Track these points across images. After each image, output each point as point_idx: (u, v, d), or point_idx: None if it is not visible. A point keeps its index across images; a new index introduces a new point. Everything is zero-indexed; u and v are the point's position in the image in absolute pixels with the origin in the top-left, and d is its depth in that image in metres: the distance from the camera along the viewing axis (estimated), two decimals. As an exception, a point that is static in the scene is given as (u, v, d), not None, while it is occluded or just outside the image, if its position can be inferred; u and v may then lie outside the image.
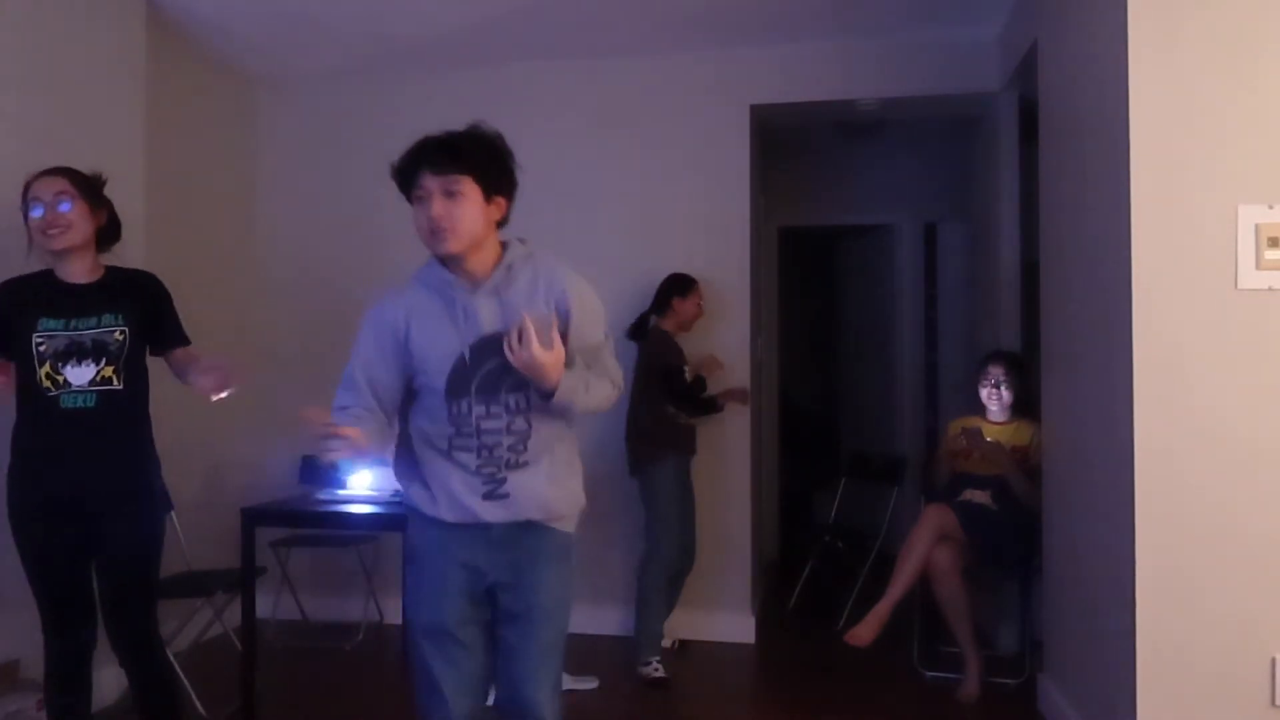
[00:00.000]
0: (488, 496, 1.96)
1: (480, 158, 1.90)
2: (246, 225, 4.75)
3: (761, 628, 4.40)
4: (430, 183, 1.87)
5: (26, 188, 2.53)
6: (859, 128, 5.38)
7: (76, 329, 2.50)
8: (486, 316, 1.94)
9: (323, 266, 4.73)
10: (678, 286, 4.02)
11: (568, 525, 2.07)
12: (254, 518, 3.36)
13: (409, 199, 1.93)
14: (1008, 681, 3.66)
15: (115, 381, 2.52)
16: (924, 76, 4.22)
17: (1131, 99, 2.47)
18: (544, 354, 1.84)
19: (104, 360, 2.51)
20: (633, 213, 4.42)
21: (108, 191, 2.66)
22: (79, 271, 2.57)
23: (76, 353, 2.49)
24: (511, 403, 1.96)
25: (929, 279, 5.88)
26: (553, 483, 2.01)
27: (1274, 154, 2.41)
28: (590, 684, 3.66)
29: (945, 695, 3.58)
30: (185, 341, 2.71)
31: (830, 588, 4.82)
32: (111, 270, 2.65)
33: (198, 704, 3.30)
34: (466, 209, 1.88)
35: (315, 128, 4.77)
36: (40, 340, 2.49)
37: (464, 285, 1.95)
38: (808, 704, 3.56)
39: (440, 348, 1.95)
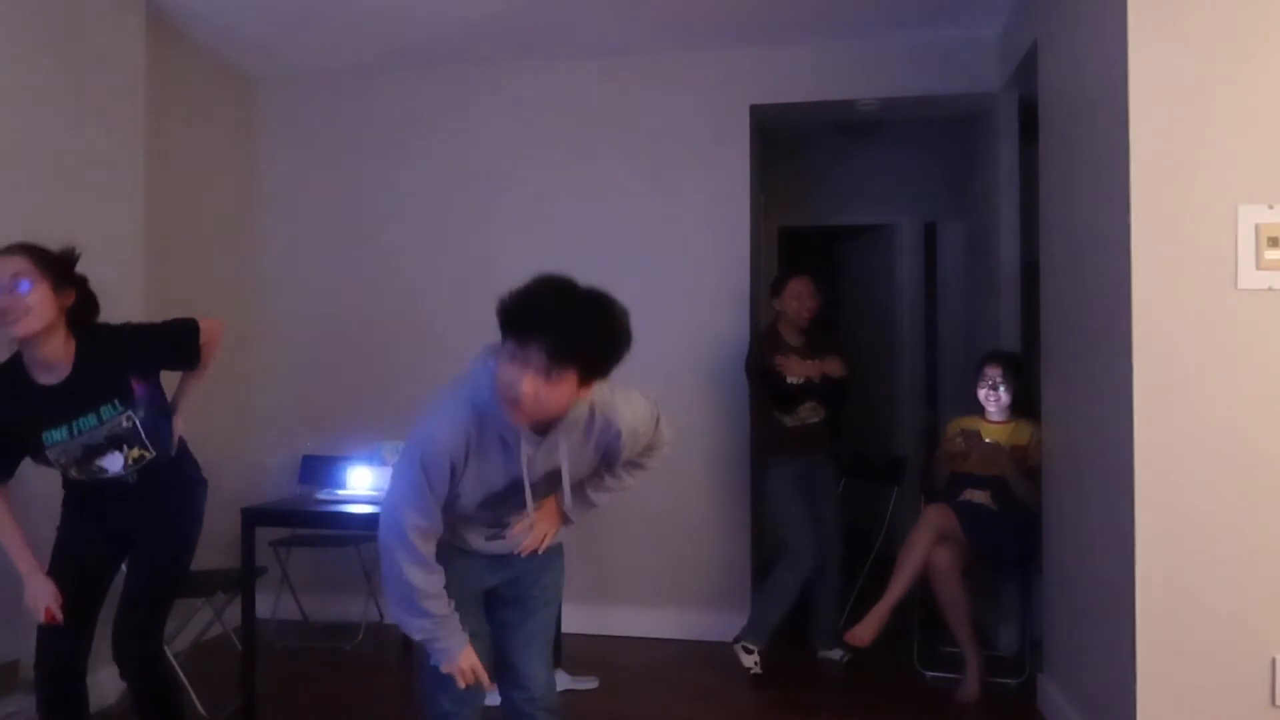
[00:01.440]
0: (490, 538, 2.07)
1: (595, 355, 1.76)
2: (246, 225, 4.75)
3: (761, 628, 4.40)
4: (535, 357, 1.70)
5: None
6: (859, 128, 5.38)
7: (82, 431, 2.38)
8: (541, 464, 1.93)
9: (323, 266, 4.73)
10: (771, 287, 4.07)
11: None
12: (254, 518, 3.36)
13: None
14: (1008, 681, 3.66)
15: (148, 453, 2.48)
16: (924, 76, 4.22)
17: (1131, 99, 2.47)
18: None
19: (126, 445, 2.45)
20: (632, 213, 4.42)
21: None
22: (51, 359, 2.36)
23: (97, 452, 2.42)
24: (528, 506, 2.02)
25: (929, 279, 5.88)
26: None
27: (1274, 154, 2.41)
28: (590, 684, 3.66)
29: (945, 695, 3.58)
30: (194, 333, 2.59)
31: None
32: (80, 349, 2.40)
33: (198, 704, 3.30)
34: (559, 394, 1.76)
35: (315, 127, 4.77)
36: (55, 455, 2.40)
37: (526, 434, 1.87)
38: (808, 704, 3.56)
39: (486, 483, 1.94)
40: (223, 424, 4.45)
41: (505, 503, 1.98)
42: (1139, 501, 2.44)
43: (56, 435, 2.36)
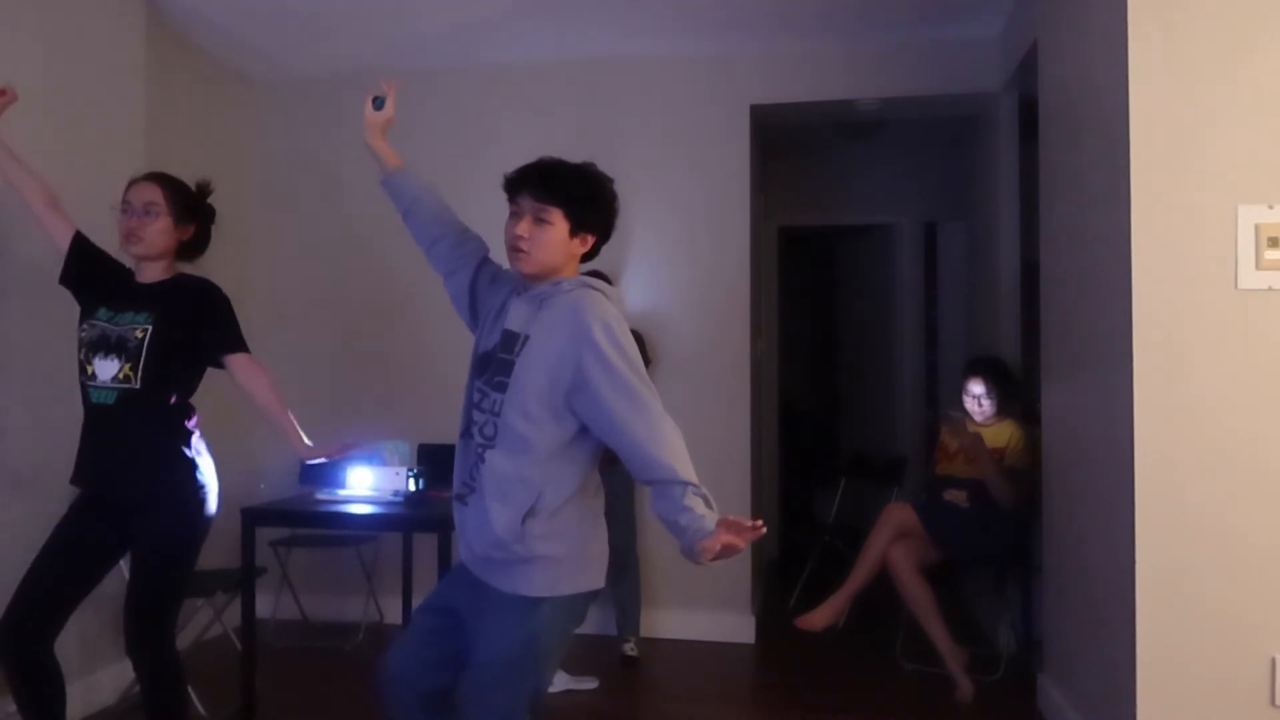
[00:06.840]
0: (457, 496, 2.00)
1: (577, 193, 1.97)
2: (245, 226, 4.74)
3: (761, 628, 4.40)
4: (525, 203, 1.95)
5: (127, 188, 2.60)
6: (859, 128, 5.38)
7: (112, 322, 2.53)
8: (515, 317, 1.97)
9: (322, 266, 4.73)
10: None
11: (532, 585, 1.91)
12: (254, 518, 3.36)
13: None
14: (1006, 680, 3.65)
15: (133, 381, 2.51)
16: (924, 76, 4.22)
17: (1131, 99, 2.47)
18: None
19: (123, 357, 2.51)
20: (632, 213, 4.41)
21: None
22: (147, 275, 2.62)
23: (104, 346, 2.51)
24: (490, 401, 1.94)
25: (929, 279, 5.88)
26: (502, 503, 1.89)
27: (1274, 154, 2.41)
28: (590, 684, 3.66)
29: (945, 695, 3.58)
30: (233, 350, 2.66)
31: (830, 588, 4.81)
32: (178, 276, 2.66)
33: (198, 704, 3.29)
34: (549, 236, 1.95)
35: (315, 128, 4.77)
36: (85, 327, 2.54)
37: (520, 287, 2.03)
38: (808, 704, 3.56)
39: (486, 318, 2.06)
40: (223, 424, 4.44)
41: (484, 371, 1.96)
42: (1139, 501, 2.44)
43: (102, 312, 2.55)
